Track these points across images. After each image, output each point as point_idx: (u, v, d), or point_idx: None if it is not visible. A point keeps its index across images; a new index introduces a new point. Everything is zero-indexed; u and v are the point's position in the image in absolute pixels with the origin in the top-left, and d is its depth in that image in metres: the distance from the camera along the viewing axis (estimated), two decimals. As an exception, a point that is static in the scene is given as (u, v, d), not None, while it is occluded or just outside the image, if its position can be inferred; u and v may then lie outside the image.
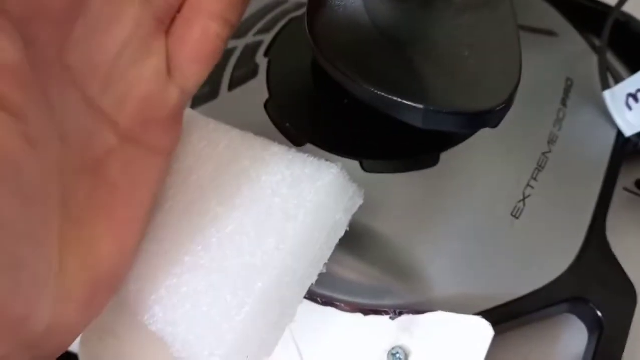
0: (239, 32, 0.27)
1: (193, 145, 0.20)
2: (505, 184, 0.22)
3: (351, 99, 0.19)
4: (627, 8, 0.27)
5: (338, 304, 0.21)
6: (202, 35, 0.17)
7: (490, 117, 0.18)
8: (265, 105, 0.24)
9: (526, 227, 0.22)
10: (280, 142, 0.20)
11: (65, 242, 0.15)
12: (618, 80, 0.25)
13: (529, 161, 0.23)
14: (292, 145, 0.21)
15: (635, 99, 0.24)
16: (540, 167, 0.23)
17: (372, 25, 0.20)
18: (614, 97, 0.25)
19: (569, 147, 0.24)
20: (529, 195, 0.22)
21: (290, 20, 0.27)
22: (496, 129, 0.19)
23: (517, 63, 0.18)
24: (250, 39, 0.27)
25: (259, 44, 0.26)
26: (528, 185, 0.22)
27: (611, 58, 0.27)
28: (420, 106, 0.17)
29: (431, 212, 0.22)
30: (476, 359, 0.19)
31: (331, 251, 0.18)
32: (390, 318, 0.20)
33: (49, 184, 0.15)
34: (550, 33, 0.27)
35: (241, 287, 0.17)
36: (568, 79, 0.26)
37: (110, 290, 0.17)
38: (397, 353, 0.20)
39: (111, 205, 0.17)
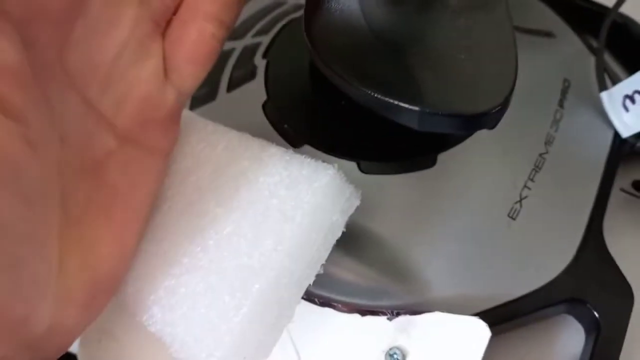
0: (237, 33, 0.27)
1: (192, 147, 0.20)
2: (502, 185, 0.22)
3: (348, 101, 0.20)
4: (624, 9, 0.27)
5: (335, 304, 0.21)
6: (198, 36, 0.17)
7: (486, 120, 0.18)
8: (264, 107, 0.24)
9: (523, 228, 0.22)
10: (278, 144, 0.20)
11: (65, 242, 0.15)
12: (615, 81, 0.25)
13: (525, 162, 0.23)
14: (289, 146, 0.21)
15: (632, 100, 0.24)
16: (537, 168, 0.23)
17: (368, 28, 0.20)
18: (611, 98, 0.25)
19: (566, 148, 0.24)
20: (526, 196, 0.22)
21: (289, 22, 0.27)
22: (493, 130, 0.19)
23: (513, 65, 0.18)
24: (248, 40, 0.27)
25: (257, 46, 0.26)
26: (525, 186, 0.22)
27: (608, 59, 0.27)
28: (416, 108, 0.17)
29: (428, 213, 0.22)
30: (473, 360, 0.19)
31: (328, 252, 0.18)
32: (388, 319, 0.20)
33: (49, 185, 0.15)
34: (547, 34, 0.27)
35: (239, 289, 0.17)
36: (565, 80, 0.26)
37: (110, 290, 0.17)
38: (395, 354, 0.20)
39: (110, 206, 0.17)
